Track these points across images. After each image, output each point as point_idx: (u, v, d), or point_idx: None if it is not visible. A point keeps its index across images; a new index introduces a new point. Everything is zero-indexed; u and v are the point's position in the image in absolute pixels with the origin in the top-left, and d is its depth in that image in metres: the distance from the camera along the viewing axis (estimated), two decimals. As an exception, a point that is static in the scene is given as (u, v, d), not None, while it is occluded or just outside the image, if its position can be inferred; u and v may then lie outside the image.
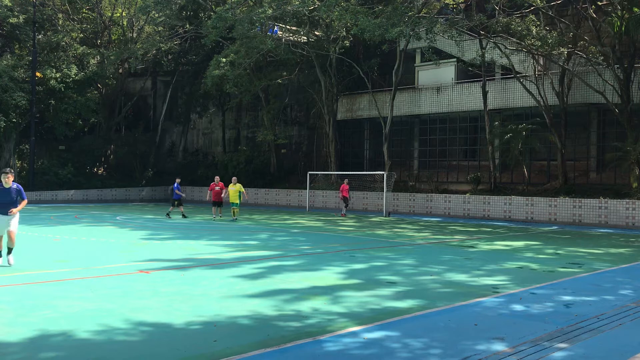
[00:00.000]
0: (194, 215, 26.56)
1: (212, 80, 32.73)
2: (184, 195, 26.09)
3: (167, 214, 25.05)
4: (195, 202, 39.54)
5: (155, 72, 45.76)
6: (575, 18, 26.94)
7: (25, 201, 10.98)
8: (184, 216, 24.84)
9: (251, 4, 33.30)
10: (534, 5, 26.19)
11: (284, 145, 39.24)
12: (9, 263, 10.85)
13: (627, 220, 23.37)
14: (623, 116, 24.75)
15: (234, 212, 24.06)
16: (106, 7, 41.52)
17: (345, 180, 28.54)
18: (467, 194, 28.68)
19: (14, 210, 10.54)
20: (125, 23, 42.22)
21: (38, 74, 35.49)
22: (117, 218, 24.46)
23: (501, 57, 27.97)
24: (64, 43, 38.00)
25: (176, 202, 24.87)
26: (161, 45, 38.58)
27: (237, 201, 23.99)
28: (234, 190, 23.90)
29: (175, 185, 25.08)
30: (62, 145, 40.25)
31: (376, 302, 8.20)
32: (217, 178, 25.06)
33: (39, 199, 35.48)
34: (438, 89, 31.97)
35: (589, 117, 28.63)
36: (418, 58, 33.85)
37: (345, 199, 27.89)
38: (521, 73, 28.40)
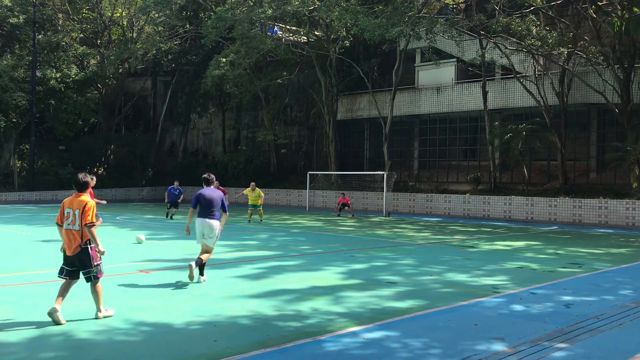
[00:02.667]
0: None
1: (212, 80, 32.74)
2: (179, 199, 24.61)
3: (171, 216, 24.00)
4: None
5: (155, 72, 45.77)
6: (575, 18, 26.93)
7: (226, 215, 9.85)
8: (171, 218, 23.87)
9: (251, 4, 33.29)
10: (534, 5, 26.20)
11: (284, 145, 39.24)
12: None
13: (627, 220, 23.36)
14: (623, 116, 24.75)
15: (251, 213, 23.12)
16: (106, 7, 41.53)
17: (343, 194, 28.84)
18: (467, 194, 28.68)
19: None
20: (125, 23, 42.23)
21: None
22: (117, 218, 24.44)
23: (501, 57, 27.97)
24: (64, 43, 38.00)
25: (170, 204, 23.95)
26: (161, 45, 38.61)
27: (259, 203, 23.04)
28: (255, 196, 22.95)
29: (173, 187, 24.09)
30: (62, 145, 40.26)
31: (376, 302, 8.20)
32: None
33: (39, 199, 35.50)
34: (438, 89, 31.97)
35: (589, 117, 28.63)
36: (418, 58, 33.85)
37: (343, 205, 28.00)
38: (521, 73, 28.39)
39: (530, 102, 28.08)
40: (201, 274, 9.54)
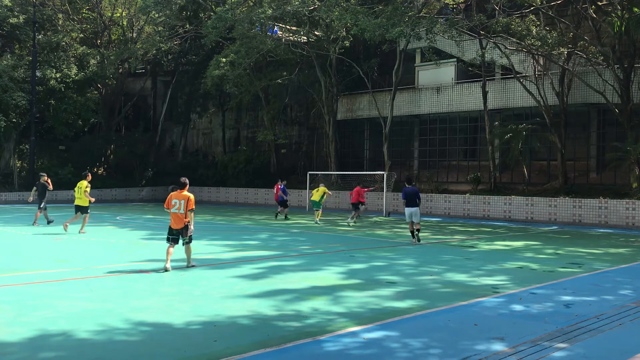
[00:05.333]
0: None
1: (212, 80, 32.73)
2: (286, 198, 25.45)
3: (285, 216, 24.78)
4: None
5: (155, 72, 45.74)
6: (575, 18, 26.92)
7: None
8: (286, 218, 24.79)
9: (251, 4, 33.30)
10: (534, 5, 26.18)
11: (284, 145, 39.22)
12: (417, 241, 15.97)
13: (627, 220, 23.36)
14: (623, 116, 24.74)
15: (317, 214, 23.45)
16: (106, 7, 41.51)
17: (360, 185, 25.40)
18: (467, 194, 28.67)
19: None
20: (125, 23, 42.21)
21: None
22: (117, 218, 24.45)
23: (501, 57, 27.96)
24: (64, 43, 37.97)
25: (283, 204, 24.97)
26: (161, 45, 38.56)
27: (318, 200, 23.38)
28: (318, 193, 23.43)
29: (282, 187, 25.11)
30: (62, 145, 40.22)
31: (376, 302, 8.20)
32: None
33: (39, 199, 35.44)
34: (438, 89, 31.96)
35: (589, 117, 28.62)
36: (418, 58, 33.84)
37: (355, 205, 23.74)
38: (521, 73, 28.39)
39: (530, 102, 28.07)
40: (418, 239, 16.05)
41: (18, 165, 38.13)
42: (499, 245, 16.27)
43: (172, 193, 11.04)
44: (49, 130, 39.33)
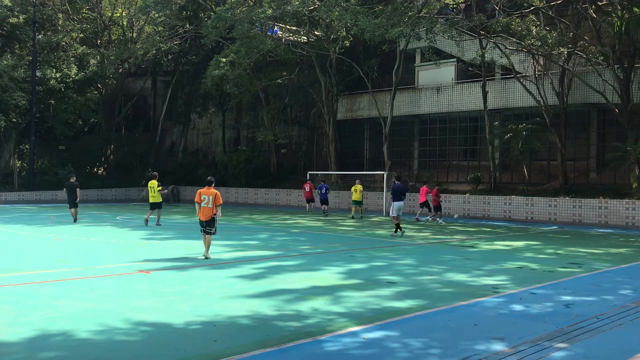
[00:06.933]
0: (192, 215, 26.48)
1: (212, 80, 32.72)
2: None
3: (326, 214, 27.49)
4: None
5: (155, 72, 45.74)
6: (575, 18, 26.92)
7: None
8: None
9: (251, 4, 33.29)
10: (534, 5, 26.19)
11: (284, 145, 39.22)
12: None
13: (627, 220, 23.36)
14: (623, 116, 24.73)
15: (357, 210, 26.40)
16: (106, 7, 41.51)
17: (433, 187, 24.83)
18: (467, 194, 28.67)
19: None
20: (125, 23, 42.21)
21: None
22: (117, 218, 24.46)
23: (501, 57, 27.95)
24: (64, 43, 37.98)
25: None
26: (161, 45, 38.56)
27: (360, 199, 26.31)
28: (357, 192, 26.27)
29: (325, 186, 28.36)
30: (62, 145, 40.22)
31: (376, 302, 8.20)
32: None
33: (39, 199, 35.49)
34: (438, 89, 31.96)
35: (589, 117, 28.62)
36: (418, 58, 33.83)
37: (425, 204, 24.79)
38: (521, 73, 28.38)
39: (530, 102, 28.06)
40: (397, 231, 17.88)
41: (18, 165, 38.13)
42: (499, 245, 16.27)
43: (200, 190, 12.57)
44: (49, 130, 39.32)
